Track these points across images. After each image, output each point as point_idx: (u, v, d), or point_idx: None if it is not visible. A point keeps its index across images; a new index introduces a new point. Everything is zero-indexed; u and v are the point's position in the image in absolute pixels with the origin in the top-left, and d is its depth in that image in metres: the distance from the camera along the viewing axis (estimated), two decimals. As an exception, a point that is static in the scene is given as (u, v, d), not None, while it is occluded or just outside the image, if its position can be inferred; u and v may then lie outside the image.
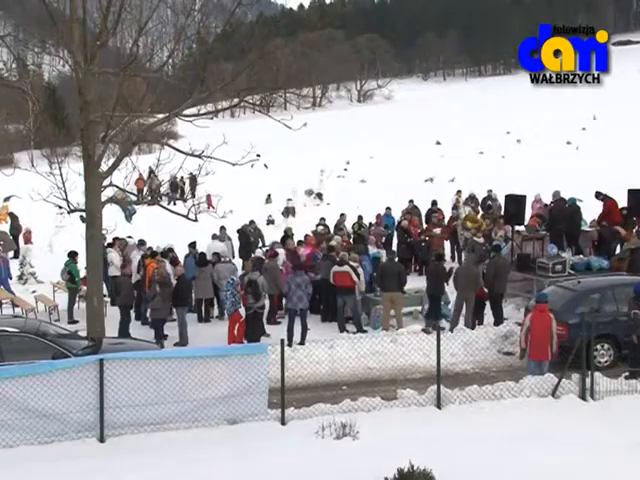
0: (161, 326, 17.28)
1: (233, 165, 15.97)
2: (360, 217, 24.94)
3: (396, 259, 18.73)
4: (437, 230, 23.49)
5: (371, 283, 19.18)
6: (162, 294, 17.16)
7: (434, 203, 26.33)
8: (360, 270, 18.32)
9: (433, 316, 17.61)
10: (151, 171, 21.12)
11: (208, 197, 17.59)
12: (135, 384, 11.49)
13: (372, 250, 21.16)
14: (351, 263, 18.20)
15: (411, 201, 27.07)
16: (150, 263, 18.74)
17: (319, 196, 40.24)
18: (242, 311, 16.93)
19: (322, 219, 24.96)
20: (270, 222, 32.51)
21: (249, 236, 24.24)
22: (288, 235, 22.21)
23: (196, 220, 15.76)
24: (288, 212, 34.88)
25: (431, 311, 17.79)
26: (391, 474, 9.38)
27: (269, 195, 39.08)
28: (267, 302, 17.91)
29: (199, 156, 15.51)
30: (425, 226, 24.45)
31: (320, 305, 19.18)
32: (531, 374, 13.43)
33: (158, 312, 17.25)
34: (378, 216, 25.49)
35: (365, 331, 17.59)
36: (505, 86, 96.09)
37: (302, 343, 16.27)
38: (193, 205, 15.87)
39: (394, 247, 23.06)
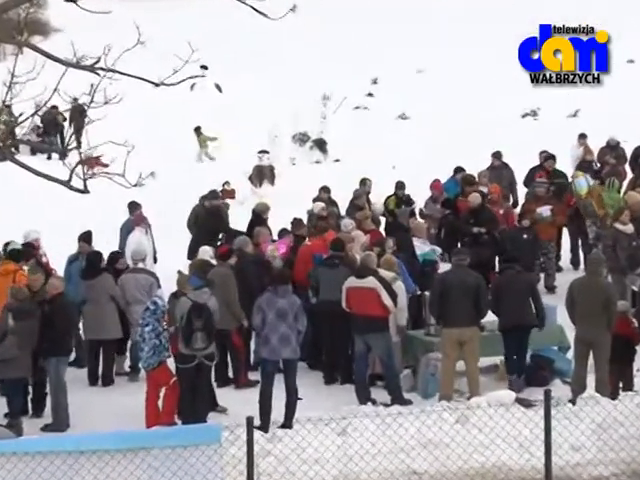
0: (18, 393, 17.38)
1: (157, 86, 15.93)
2: (400, 186, 25.17)
3: (466, 262, 18.66)
4: (545, 210, 23.64)
5: (419, 310, 19.25)
6: (19, 332, 17.20)
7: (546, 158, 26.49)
8: (399, 286, 18.38)
9: (517, 370, 18.19)
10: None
11: (83, 160, 17.23)
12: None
13: (421, 247, 21.11)
14: (382, 272, 18.27)
15: (497, 154, 27.14)
16: (8, 271, 18.98)
17: (319, 146, 40.41)
18: (172, 363, 17.01)
19: (325, 189, 25.09)
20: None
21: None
22: (260, 218, 22.46)
23: (86, 190, 15.72)
24: (261, 175, 34.92)
25: (511, 362, 18.35)
26: None
27: (197, 128, 39.32)
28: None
29: (91, 68, 15.47)
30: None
31: (321, 352, 19.31)
32: None
33: (11, 367, 17.29)
34: (435, 184, 25.56)
35: (408, 402, 17.70)
36: None
37: (288, 425, 16.37)
38: (80, 162, 15.82)
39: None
